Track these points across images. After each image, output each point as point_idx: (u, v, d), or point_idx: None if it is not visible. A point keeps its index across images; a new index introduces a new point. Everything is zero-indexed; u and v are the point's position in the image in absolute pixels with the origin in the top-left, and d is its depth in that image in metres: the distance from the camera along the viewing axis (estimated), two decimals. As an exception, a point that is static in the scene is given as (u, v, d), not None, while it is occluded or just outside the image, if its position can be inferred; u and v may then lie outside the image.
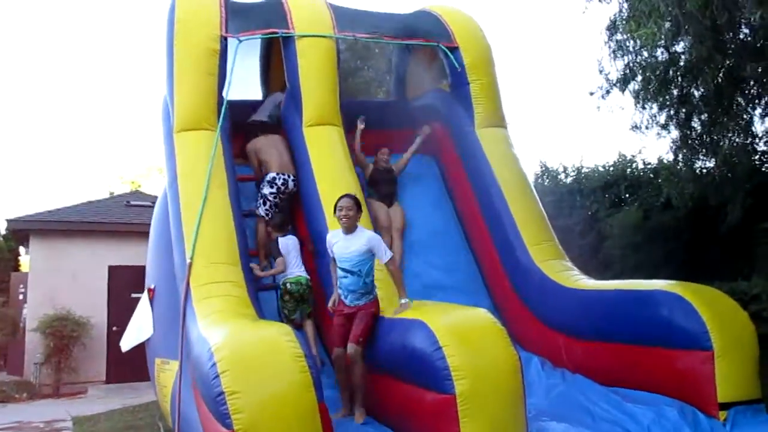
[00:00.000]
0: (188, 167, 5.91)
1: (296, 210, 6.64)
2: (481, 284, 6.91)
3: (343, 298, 4.94)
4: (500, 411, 3.87)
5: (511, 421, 3.91)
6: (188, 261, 5.25)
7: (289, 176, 6.55)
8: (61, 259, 12.12)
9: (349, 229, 4.89)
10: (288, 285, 5.80)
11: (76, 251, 12.23)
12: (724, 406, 4.43)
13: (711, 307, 4.67)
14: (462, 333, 4.04)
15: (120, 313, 11.29)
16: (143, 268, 7.09)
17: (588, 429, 4.49)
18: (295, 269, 5.90)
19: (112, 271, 12.39)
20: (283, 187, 6.51)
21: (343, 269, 4.87)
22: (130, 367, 10.74)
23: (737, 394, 4.49)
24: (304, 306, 5.88)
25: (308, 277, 5.89)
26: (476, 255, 7.13)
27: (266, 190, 6.48)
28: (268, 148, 6.71)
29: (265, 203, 6.47)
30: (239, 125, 6.80)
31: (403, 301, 4.82)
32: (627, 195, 11.87)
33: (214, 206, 5.59)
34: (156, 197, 9.78)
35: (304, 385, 3.43)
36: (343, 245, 4.89)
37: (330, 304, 5.10)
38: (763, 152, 9.51)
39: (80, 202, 14.02)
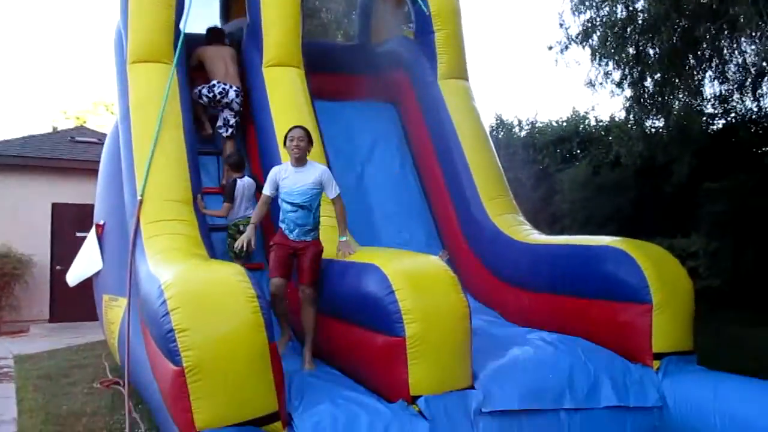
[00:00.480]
0: (142, 101, 5.72)
1: (253, 151, 6.55)
2: (435, 235, 7.01)
3: (287, 232, 4.81)
4: (448, 355, 3.96)
5: (457, 364, 4.02)
6: (139, 197, 5.13)
7: (231, 86, 6.45)
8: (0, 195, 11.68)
9: (300, 160, 4.77)
10: (241, 227, 5.74)
11: (17, 187, 11.76)
12: (658, 356, 4.63)
13: (652, 263, 4.82)
14: (414, 278, 4.08)
15: (64, 251, 11.01)
16: (89, 206, 6.92)
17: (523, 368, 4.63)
18: (248, 211, 5.84)
19: (56, 208, 12.00)
20: (219, 96, 6.44)
21: (293, 203, 4.75)
22: (74, 306, 10.58)
23: (671, 345, 4.68)
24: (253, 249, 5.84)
25: None
26: (431, 206, 7.20)
27: (203, 91, 6.45)
28: (216, 59, 6.62)
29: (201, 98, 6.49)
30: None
31: (342, 238, 4.82)
32: (578, 151, 12.12)
33: (168, 143, 5.47)
34: (104, 134, 9.46)
35: (255, 326, 3.42)
36: (294, 179, 4.77)
37: (238, 245, 4.84)
38: (711, 115, 9.79)
39: (21, 136, 13.42)
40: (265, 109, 6.28)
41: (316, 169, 4.83)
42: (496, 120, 13.78)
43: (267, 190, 4.85)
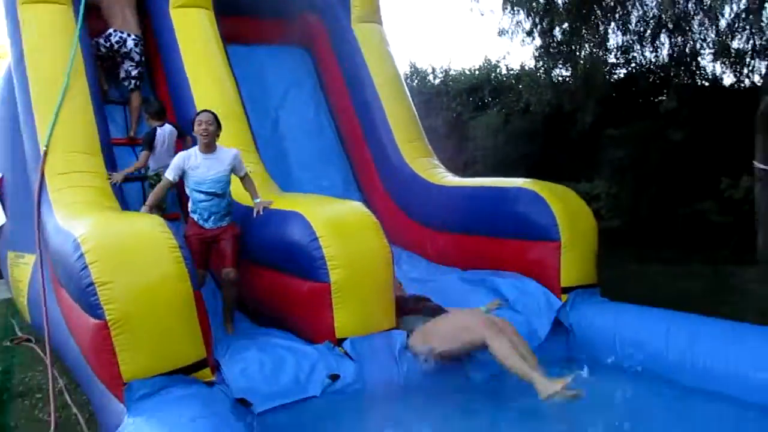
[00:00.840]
0: (37, 45, 5.35)
1: (164, 99, 6.29)
2: (352, 180, 7.07)
3: (201, 222, 4.62)
4: (371, 299, 4.09)
5: (381, 307, 4.16)
6: (43, 149, 4.86)
7: (129, 35, 6.14)
8: None
9: (209, 146, 4.55)
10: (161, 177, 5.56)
11: None
12: (566, 290, 4.96)
13: (561, 204, 5.10)
14: (337, 225, 4.14)
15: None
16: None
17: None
18: (168, 161, 5.64)
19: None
20: (117, 45, 6.11)
21: (207, 193, 4.54)
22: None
23: (578, 279, 5.01)
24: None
25: None
26: (347, 151, 7.22)
27: (100, 41, 6.10)
28: (113, 4, 6.21)
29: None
30: None
31: (257, 200, 4.73)
32: (490, 99, 12.38)
33: (71, 91, 5.15)
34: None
35: (179, 276, 3.39)
36: (206, 167, 4.54)
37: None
38: (614, 65, 10.22)
39: None
40: (175, 54, 6.02)
41: (226, 155, 4.63)
42: (410, 67, 13.83)
43: (170, 175, 4.58)
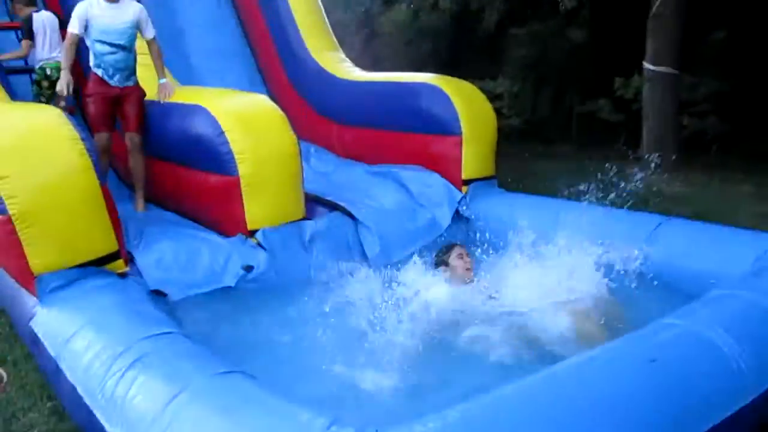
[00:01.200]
0: None
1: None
2: (257, 74, 6.97)
3: (107, 78, 4.51)
4: (281, 191, 4.21)
5: (290, 199, 4.29)
6: None
7: None
8: None
9: None
10: (48, 70, 5.27)
11: None
12: (467, 182, 5.27)
13: (463, 99, 5.30)
14: (244, 118, 4.17)
15: None
16: None
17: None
18: (53, 53, 5.33)
19: None
20: None
21: (110, 44, 4.41)
22: None
23: (477, 171, 5.31)
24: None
25: None
26: (252, 45, 7.06)
27: None
28: None
29: None
30: None
31: (162, 80, 4.67)
32: (399, -6, 12.18)
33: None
34: None
35: (84, 168, 3.35)
36: (110, 16, 4.40)
37: (60, 87, 4.42)
38: (520, -38, 10.24)
39: None
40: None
41: (131, 6, 4.48)
42: (317, -42, 13.31)
43: (75, 28, 4.38)
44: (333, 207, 4.65)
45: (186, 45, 6.64)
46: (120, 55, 4.46)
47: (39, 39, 5.28)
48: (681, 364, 2.32)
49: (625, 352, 2.38)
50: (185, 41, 6.66)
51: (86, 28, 4.41)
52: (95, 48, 4.44)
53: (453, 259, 3.89)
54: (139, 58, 4.78)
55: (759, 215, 5.84)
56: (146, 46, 4.70)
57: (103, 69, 4.48)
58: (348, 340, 3.21)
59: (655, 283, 3.83)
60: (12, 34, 5.67)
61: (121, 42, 4.43)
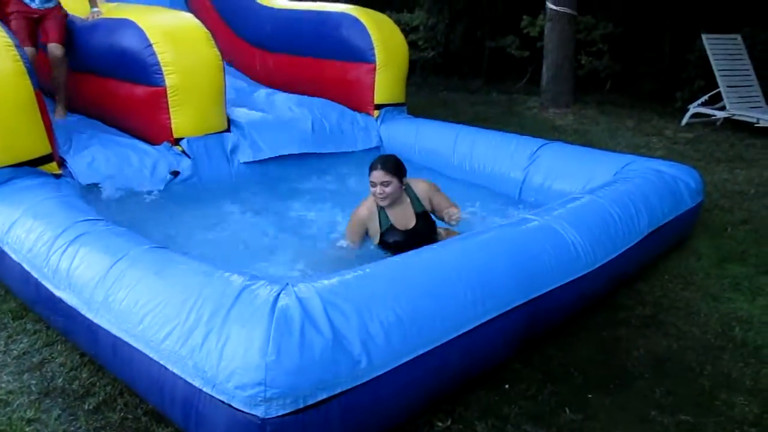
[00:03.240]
0: None
1: None
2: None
3: (28, 1, 4.64)
4: (205, 102, 4.53)
5: (214, 111, 4.62)
6: None
7: None
8: None
9: None
10: None
11: None
12: (378, 107, 5.72)
13: (378, 29, 5.67)
14: (171, 32, 4.41)
15: None
16: None
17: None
18: None
19: None
20: None
21: None
22: None
23: (388, 98, 5.76)
24: None
25: None
26: (174, -35, 7.09)
27: None
28: None
29: None
30: None
31: (94, 9, 4.83)
32: None
33: None
34: None
35: (19, 73, 3.55)
36: None
37: None
38: None
39: None
40: None
41: None
42: None
43: None
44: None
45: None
46: None
47: None
48: (532, 246, 2.93)
49: (492, 237, 2.97)
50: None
51: None
52: None
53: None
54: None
55: (633, 145, 6.65)
56: None
57: None
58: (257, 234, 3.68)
59: (532, 199, 4.49)
60: None
61: None
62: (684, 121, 7.66)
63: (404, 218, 3.45)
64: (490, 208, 4.17)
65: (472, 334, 2.42)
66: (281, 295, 2.17)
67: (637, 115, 8.17)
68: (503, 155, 4.88)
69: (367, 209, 3.45)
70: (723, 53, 7.69)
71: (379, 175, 3.31)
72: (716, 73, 7.50)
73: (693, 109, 7.66)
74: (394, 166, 3.37)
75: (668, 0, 8.95)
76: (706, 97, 7.65)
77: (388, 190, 3.31)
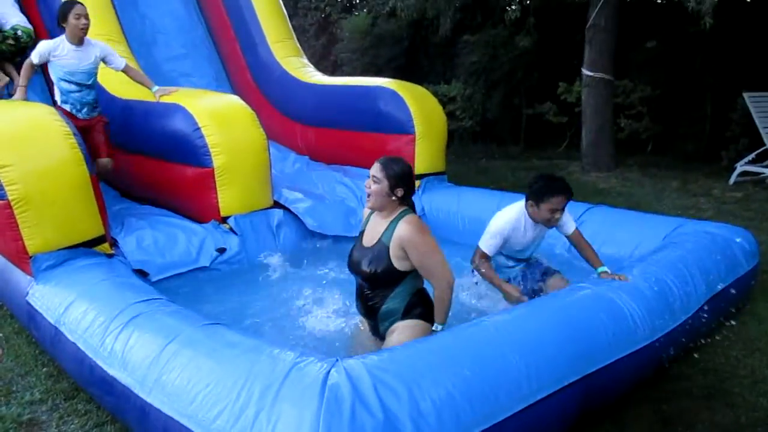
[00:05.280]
0: None
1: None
2: (224, 76, 7.36)
3: (75, 112, 4.76)
4: (251, 181, 4.66)
5: (260, 188, 4.75)
6: None
7: None
8: None
9: (83, 40, 4.63)
10: (18, 31, 5.67)
11: None
12: (419, 177, 5.77)
13: (416, 101, 5.82)
14: (217, 115, 4.61)
15: None
16: None
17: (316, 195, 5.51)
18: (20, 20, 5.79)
19: None
20: None
21: (75, 83, 4.69)
22: None
23: (429, 167, 5.83)
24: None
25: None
26: (218, 48, 7.45)
27: None
28: None
29: None
30: None
31: (154, 89, 4.99)
32: (358, 1, 12.67)
33: None
34: None
35: (76, 160, 3.73)
36: (75, 58, 4.63)
37: (18, 98, 4.60)
38: (472, -27, 10.84)
39: None
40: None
41: (95, 47, 4.73)
42: (278, -36, 13.69)
43: (35, 59, 4.64)
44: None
45: (155, 46, 6.98)
46: (85, 92, 4.74)
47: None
48: (587, 317, 2.86)
49: (544, 307, 2.91)
50: (155, 42, 7.00)
51: (48, 64, 4.66)
52: (61, 86, 4.70)
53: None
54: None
55: (681, 206, 6.52)
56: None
57: (71, 104, 4.75)
58: (305, 310, 3.70)
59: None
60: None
61: (86, 82, 4.72)
62: (732, 180, 7.51)
63: (372, 234, 2.94)
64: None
65: (527, 412, 2.34)
66: (331, 373, 2.16)
67: (682, 175, 8.05)
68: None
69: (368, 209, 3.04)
70: (766, 111, 7.59)
71: (374, 167, 2.87)
72: (761, 131, 7.39)
73: (740, 167, 7.52)
74: (394, 171, 2.84)
75: (706, 62, 8.95)
76: (753, 155, 7.52)
77: (372, 188, 2.84)
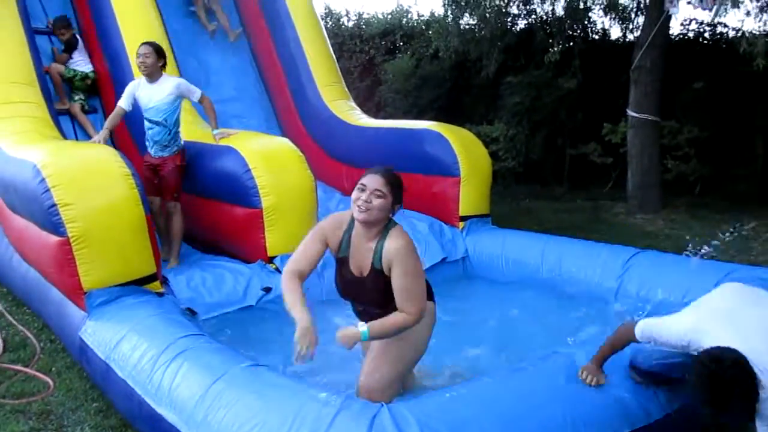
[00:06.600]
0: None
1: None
2: (274, 119, 7.58)
3: (149, 149, 4.94)
4: (298, 222, 4.73)
5: (306, 230, 4.69)
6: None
7: None
8: None
9: (152, 76, 4.78)
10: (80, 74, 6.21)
11: None
12: (463, 219, 5.79)
13: (461, 144, 5.86)
14: (267, 157, 4.75)
15: None
16: None
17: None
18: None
19: None
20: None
21: (149, 120, 4.84)
22: None
23: (473, 209, 5.82)
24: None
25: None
26: (269, 92, 7.69)
27: None
28: None
29: None
30: None
31: (215, 131, 5.13)
32: (402, 43, 12.90)
33: (3, 20, 5.34)
34: None
35: (133, 200, 3.86)
36: (149, 95, 4.80)
37: (97, 140, 4.82)
38: (515, 15, 10.98)
39: None
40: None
41: (169, 83, 4.85)
42: (325, 9, 14.09)
43: (123, 103, 4.89)
44: None
45: (210, 90, 7.22)
46: (156, 129, 4.86)
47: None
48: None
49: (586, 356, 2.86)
50: (210, 86, 7.25)
51: (132, 104, 4.90)
52: (145, 123, 4.92)
53: None
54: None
55: (732, 250, 6.34)
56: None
57: (147, 141, 4.96)
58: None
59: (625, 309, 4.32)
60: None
61: (157, 118, 4.83)
62: (786, 223, 7.30)
63: (360, 260, 2.79)
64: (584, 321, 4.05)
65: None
66: (377, 418, 2.16)
67: (733, 218, 7.84)
68: (594, 265, 4.78)
69: (336, 219, 2.95)
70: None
71: (376, 180, 2.72)
72: (816, 173, 7.19)
73: (795, 211, 7.30)
74: (398, 183, 2.79)
75: (757, 102, 8.80)
76: (808, 198, 7.30)
77: (376, 203, 2.68)
